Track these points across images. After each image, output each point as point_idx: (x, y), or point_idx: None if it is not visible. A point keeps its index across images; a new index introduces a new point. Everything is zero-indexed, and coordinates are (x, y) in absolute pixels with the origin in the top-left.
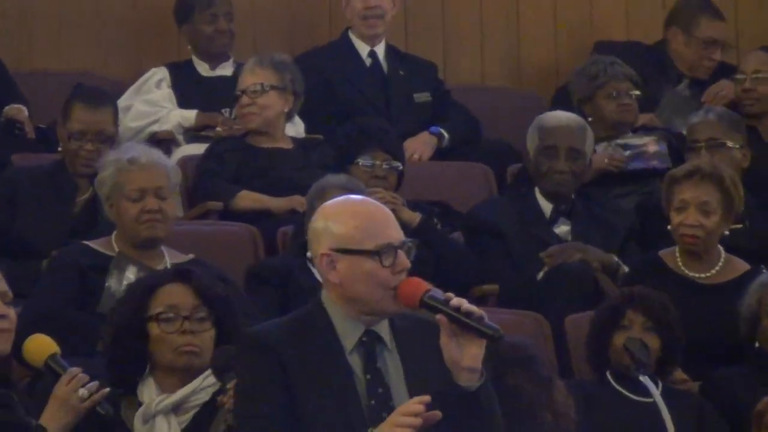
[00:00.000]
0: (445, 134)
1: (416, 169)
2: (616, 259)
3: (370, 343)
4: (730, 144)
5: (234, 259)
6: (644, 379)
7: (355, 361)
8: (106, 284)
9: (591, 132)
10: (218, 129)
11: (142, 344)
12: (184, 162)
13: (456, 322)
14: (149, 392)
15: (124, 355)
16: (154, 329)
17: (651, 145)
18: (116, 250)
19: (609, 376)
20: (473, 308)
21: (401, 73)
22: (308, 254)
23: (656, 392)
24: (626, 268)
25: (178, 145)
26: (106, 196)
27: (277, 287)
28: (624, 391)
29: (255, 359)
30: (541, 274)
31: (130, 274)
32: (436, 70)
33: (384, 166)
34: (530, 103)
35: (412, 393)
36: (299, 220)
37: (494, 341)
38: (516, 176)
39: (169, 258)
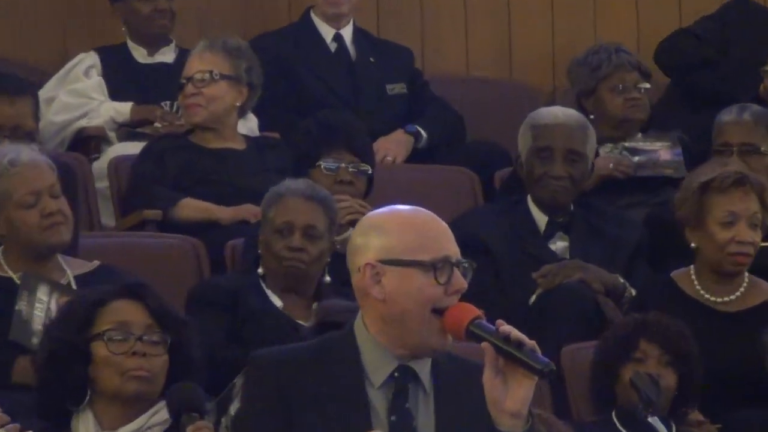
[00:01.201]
0: (423, 133)
1: (389, 173)
2: (621, 280)
3: (402, 381)
4: (764, 149)
5: (174, 277)
6: (654, 421)
7: (380, 400)
8: (16, 308)
9: (593, 131)
10: (157, 125)
11: (83, 368)
12: (117, 163)
13: (502, 354)
14: (86, 428)
15: (59, 381)
16: (99, 350)
17: (664, 152)
18: (5, 269)
19: (614, 417)
20: (524, 338)
21: (372, 60)
22: (259, 271)
23: None
24: (633, 291)
25: (109, 143)
26: None
27: (225, 311)
28: None
29: (254, 385)
30: (533, 298)
31: (42, 295)
32: (413, 58)
33: (351, 170)
34: (522, 97)
35: None
36: (251, 232)
37: (544, 377)
38: (506, 183)
39: (70, 269)
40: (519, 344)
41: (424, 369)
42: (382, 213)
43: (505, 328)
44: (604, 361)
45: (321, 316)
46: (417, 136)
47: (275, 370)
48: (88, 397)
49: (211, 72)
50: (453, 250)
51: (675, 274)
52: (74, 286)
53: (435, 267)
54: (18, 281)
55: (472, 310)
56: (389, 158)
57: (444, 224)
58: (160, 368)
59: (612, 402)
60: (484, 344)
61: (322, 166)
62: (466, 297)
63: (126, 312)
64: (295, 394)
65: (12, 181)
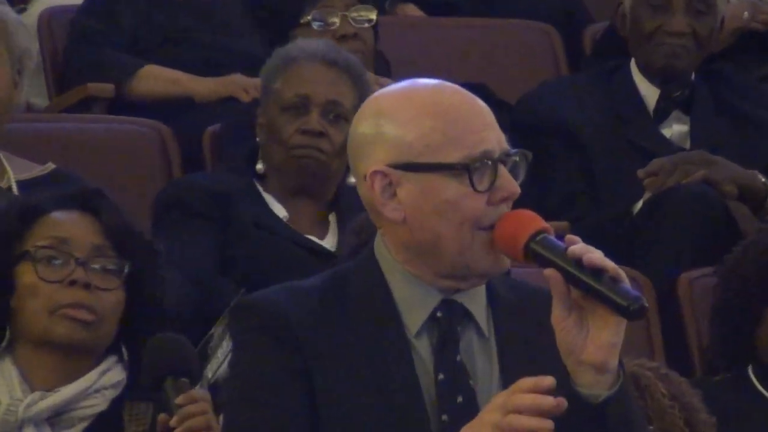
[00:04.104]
0: None
1: (427, 29)
2: (762, 179)
3: (448, 322)
4: None
5: (132, 177)
6: None
7: (423, 350)
8: None
9: None
10: None
11: (2, 298)
12: (49, 17)
13: (574, 283)
14: (7, 384)
15: None
16: (25, 274)
17: None
18: None
19: (751, 374)
20: (605, 261)
21: None
22: (258, 167)
23: None
24: None
25: None
26: None
27: (208, 222)
28: None
29: (257, 342)
30: (639, 204)
31: None
32: None
33: (352, 18)
34: None
35: None
36: (243, 113)
37: (630, 318)
38: (600, 43)
39: (12, 170)
40: (596, 270)
41: (477, 303)
42: (393, 93)
43: (578, 247)
44: (738, 295)
45: (362, 236)
46: None
47: (286, 320)
48: (6, 341)
49: None
50: (495, 139)
51: None
52: (16, 192)
53: (470, 169)
54: None
55: (533, 221)
56: None
57: (481, 104)
58: (111, 308)
59: (749, 353)
60: (548, 271)
61: (311, 22)
62: (542, 205)
63: (68, 227)
64: (313, 354)
65: None
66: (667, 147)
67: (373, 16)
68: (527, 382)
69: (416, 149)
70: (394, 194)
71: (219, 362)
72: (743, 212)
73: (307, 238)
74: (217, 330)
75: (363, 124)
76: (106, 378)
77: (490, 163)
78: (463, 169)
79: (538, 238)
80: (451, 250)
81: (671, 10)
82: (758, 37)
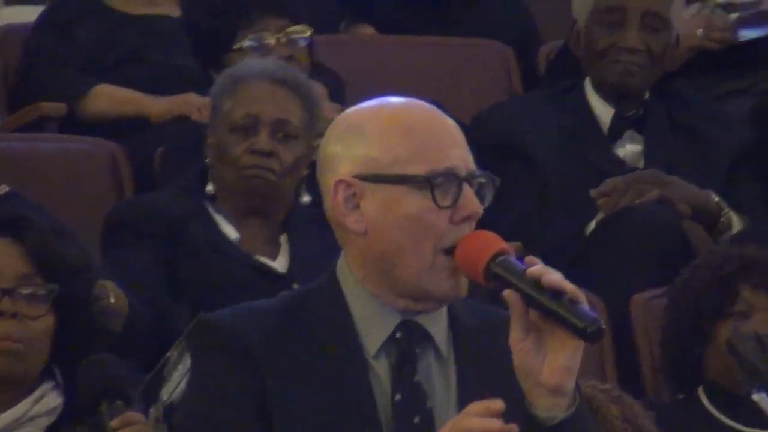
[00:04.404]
0: None
1: (381, 49)
2: (716, 198)
3: (407, 343)
4: None
5: (83, 197)
6: (761, 399)
7: (381, 370)
8: None
9: None
10: None
11: None
12: (4, 36)
13: (534, 305)
14: None
15: None
16: None
17: None
18: None
19: (702, 395)
20: (566, 284)
21: None
22: (208, 188)
23: None
24: (733, 216)
25: None
26: None
27: (159, 243)
28: (725, 418)
29: (215, 361)
30: (593, 224)
31: None
32: None
33: (285, 40)
34: None
35: None
36: (194, 132)
37: (588, 340)
38: (554, 62)
39: None
40: (555, 292)
41: (438, 325)
42: (363, 110)
43: (537, 268)
44: (687, 316)
45: None
46: None
47: (244, 339)
48: None
49: None
50: (461, 158)
51: None
52: None
53: (432, 183)
54: None
55: (494, 242)
56: None
57: (450, 122)
58: (40, 335)
59: (699, 374)
60: (508, 292)
61: (244, 46)
62: (494, 227)
63: None
64: (271, 374)
65: None
66: (621, 167)
67: (308, 35)
68: (477, 406)
69: (382, 162)
70: (357, 206)
71: (175, 384)
72: (697, 232)
73: (258, 260)
74: (173, 353)
75: (332, 141)
76: (41, 405)
77: (454, 179)
78: (426, 183)
79: (498, 260)
80: (411, 268)
81: (625, 27)
82: (714, 56)
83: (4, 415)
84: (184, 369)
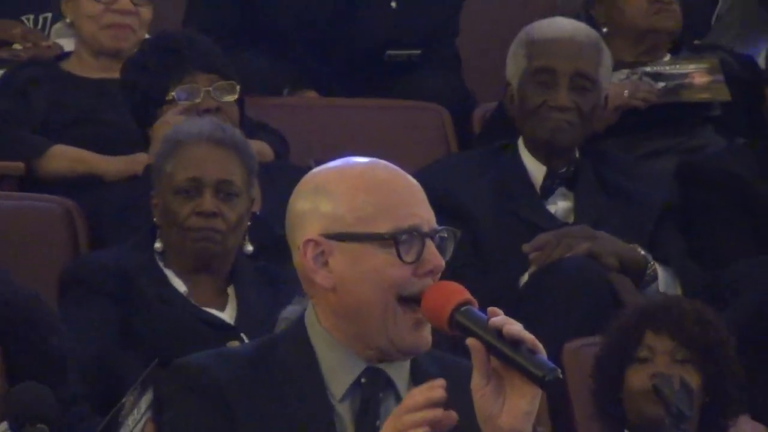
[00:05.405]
0: None
1: (329, 112)
2: (642, 252)
3: (370, 389)
4: None
5: (40, 254)
6: None
7: (346, 414)
8: None
9: (608, 52)
10: (17, 46)
11: None
12: None
13: (495, 353)
14: None
15: None
16: None
17: (699, 75)
18: None
19: None
20: (525, 334)
21: None
22: (157, 245)
23: None
24: (658, 268)
25: None
26: None
27: (112, 299)
28: None
29: (186, 402)
30: (525, 278)
31: None
32: None
33: (214, 93)
34: (515, 5)
35: None
36: (144, 189)
37: (547, 389)
38: (489, 123)
39: None
40: (515, 341)
41: (400, 372)
42: (329, 170)
43: (499, 319)
44: (604, 363)
45: None
46: None
47: (216, 383)
48: None
49: None
50: (424, 216)
51: None
52: None
53: (397, 240)
54: None
55: (458, 293)
56: None
57: (413, 182)
58: None
59: (622, 416)
60: (470, 340)
61: (174, 99)
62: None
63: None
64: (242, 416)
65: None
66: (553, 222)
67: (236, 90)
68: (415, 397)
69: (348, 221)
70: (326, 263)
71: (129, 429)
72: (625, 284)
73: (207, 312)
74: (128, 399)
75: (299, 201)
76: None
77: (418, 236)
78: (392, 240)
79: (462, 309)
80: (377, 321)
81: (556, 86)
82: (641, 116)
83: None
84: (138, 415)
